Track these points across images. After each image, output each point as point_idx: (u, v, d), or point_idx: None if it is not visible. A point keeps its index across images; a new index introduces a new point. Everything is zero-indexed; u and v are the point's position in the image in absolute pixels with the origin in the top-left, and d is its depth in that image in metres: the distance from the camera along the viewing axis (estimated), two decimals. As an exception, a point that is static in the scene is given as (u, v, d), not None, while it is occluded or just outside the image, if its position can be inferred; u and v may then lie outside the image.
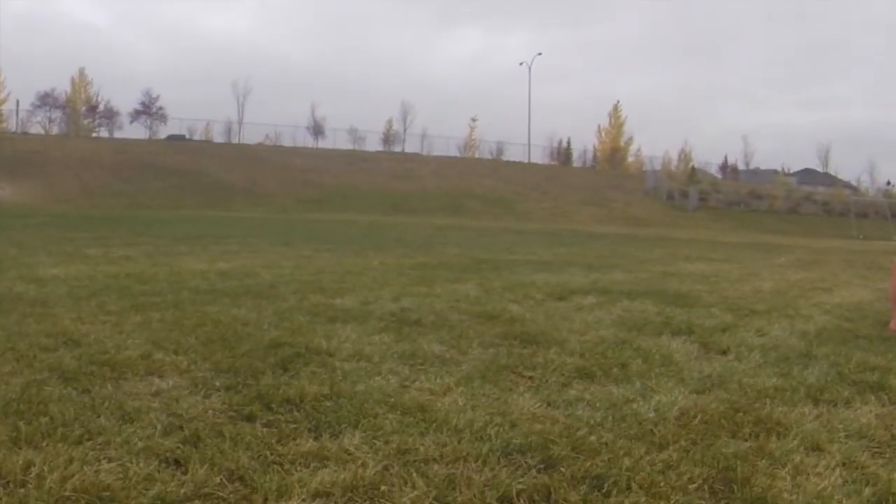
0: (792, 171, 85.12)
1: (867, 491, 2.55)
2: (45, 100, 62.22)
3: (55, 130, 62.47)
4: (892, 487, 2.58)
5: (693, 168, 73.86)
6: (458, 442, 2.78)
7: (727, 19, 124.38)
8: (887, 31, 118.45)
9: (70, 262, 9.31)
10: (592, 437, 2.93)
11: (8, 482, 2.30)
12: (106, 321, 5.12)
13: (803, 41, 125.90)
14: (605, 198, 63.06)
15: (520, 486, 2.37)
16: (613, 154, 79.45)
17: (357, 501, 2.26)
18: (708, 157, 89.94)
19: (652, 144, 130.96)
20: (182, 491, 2.27)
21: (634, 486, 2.44)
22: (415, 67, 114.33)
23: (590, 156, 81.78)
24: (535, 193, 62.18)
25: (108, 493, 2.24)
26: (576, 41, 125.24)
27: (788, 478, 2.62)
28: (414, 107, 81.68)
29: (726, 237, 35.40)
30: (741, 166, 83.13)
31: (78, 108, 63.76)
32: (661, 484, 2.48)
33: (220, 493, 2.26)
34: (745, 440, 3.02)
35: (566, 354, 4.52)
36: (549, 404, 3.39)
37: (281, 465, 2.50)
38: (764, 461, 2.77)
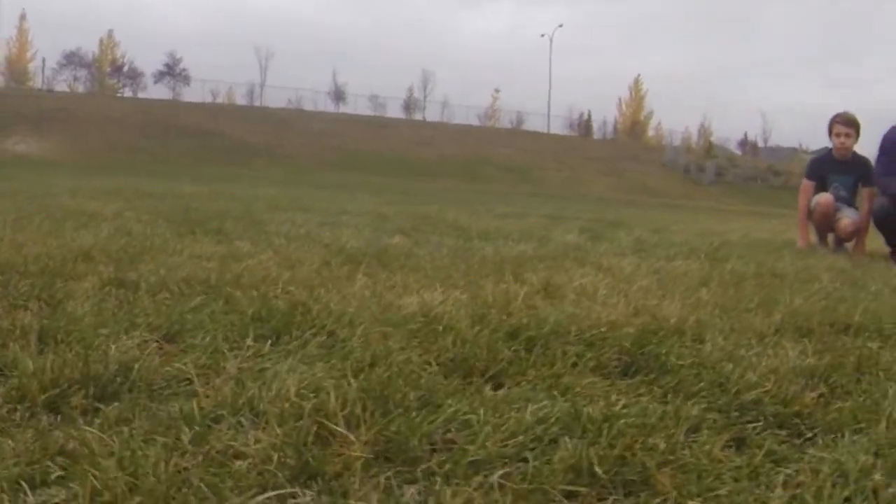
0: (813, 149, 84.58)
1: (606, 280, 3.39)
2: (71, 59, 63.47)
3: (80, 89, 63.75)
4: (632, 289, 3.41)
5: (710, 143, 73.85)
6: (325, 248, 3.73)
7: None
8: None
9: (81, 179, 10.38)
10: (428, 258, 3.83)
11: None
12: (95, 202, 6.14)
13: (827, 21, 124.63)
14: (623, 169, 63.39)
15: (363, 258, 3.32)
16: (633, 127, 79.60)
17: (225, 262, 3.20)
18: (730, 133, 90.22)
19: (675, 120, 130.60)
20: (122, 247, 3.26)
21: (430, 269, 3.34)
22: (443, 38, 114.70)
23: (610, 128, 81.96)
24: (553, 163, 62.66)
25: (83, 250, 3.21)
26: (605, 16, 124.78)
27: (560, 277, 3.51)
28: (434, 75, 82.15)
29: (736, 208, 35.82)
30: (760, 143, 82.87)
31: (104, 69, 65.06)
32: (456, 271, 3.38)
33: (148, 245, 3.23)
34: (548, 263, 3.90)
35: (475, 231, 5.42)
36: (415, 244, 4.33)
37: (190, 246, 3.48)
38: (552, 271, 3.65)
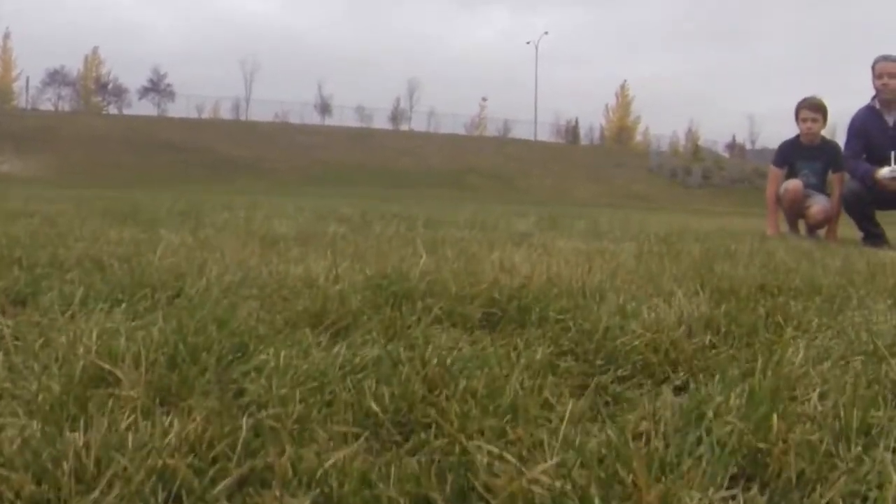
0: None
1: (531, 254, 3.29)
2: (55, 77, 63.29)
3: (65, 108, 63.60)
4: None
5: (697, 146, 74.05)
6: (250, 235, 3.62)
7: (749, 6, 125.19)
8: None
9: (49, 191, 10.25)
10: (352, 240, 3.71)
11: None
12: (44, 205, 6.02)
13: (820, 27, 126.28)
14: (609, 175, 63.46)
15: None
16: (620, 133, 79.78)
17: (138, 246, 3.08)
18: (718, 137, 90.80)
19: (664, 124, 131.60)
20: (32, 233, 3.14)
21: (351, 251, 3.23)
22: (431, 48, 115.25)
23: (597, 134, 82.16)
24: (539, 170, 62.69)
25: None
26: (593, 24, 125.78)
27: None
28: (421, 85, 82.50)
29: (721, 210, 35.76)
30: (748, 146, 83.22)
31: (89, 86, 64.91)
32: (378, 251, 3.27)
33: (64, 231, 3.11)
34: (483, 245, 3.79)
35: (423, 220, 5.33)
36: (352, 230, 4.22)
37: (107, 233, 3.37)
38: (478, 247, 3.53)
